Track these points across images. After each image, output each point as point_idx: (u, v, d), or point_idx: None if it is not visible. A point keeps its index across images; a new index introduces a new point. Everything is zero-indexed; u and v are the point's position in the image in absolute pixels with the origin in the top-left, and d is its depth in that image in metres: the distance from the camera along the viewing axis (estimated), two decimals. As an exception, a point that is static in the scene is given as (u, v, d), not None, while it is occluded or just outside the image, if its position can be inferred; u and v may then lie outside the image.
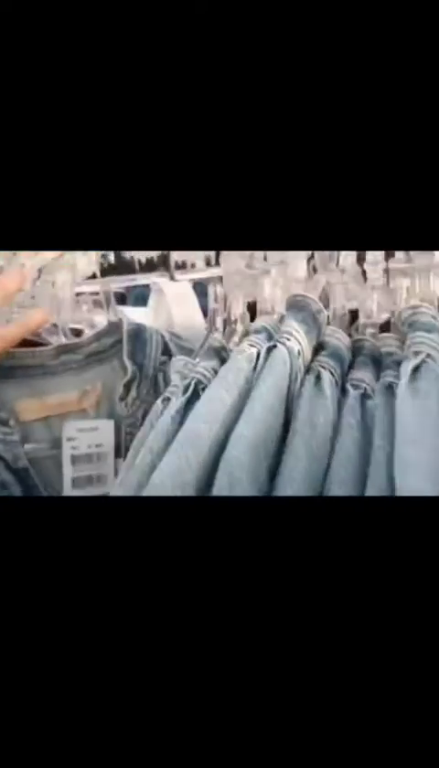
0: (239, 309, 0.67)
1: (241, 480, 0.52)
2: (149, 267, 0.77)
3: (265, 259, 0.67)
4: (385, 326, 0.65)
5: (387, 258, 0.64)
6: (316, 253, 0.65)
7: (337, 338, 0.62)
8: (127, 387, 0.80)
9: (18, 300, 0.71)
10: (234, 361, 0.59)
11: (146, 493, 0.55)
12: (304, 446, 0.55)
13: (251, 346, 0.60)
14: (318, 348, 0.61)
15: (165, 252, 0.75)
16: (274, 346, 0.58)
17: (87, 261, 0.76)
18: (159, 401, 0.64)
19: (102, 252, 0.76)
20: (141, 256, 0.76)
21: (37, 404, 0.79)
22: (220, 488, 0.52)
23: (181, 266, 0.77)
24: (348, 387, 0.59)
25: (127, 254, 0.76)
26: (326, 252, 0.65)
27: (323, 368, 0.59)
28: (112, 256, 0.76)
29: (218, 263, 0.79)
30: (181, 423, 0.60)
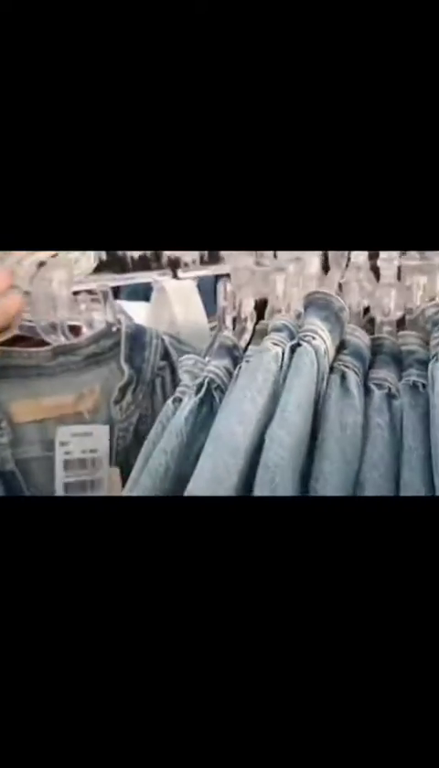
0: (249, 307, 0.66)
1: (283, 482, 0.51)
2: (149, 265, 0.76)
3: (275, 256, 0.67)
4: (400, 323, 0.64)
5: (400, 255, 0.64)
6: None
7: (357, 336, 0.61)
8: (123, 391, 0.78)
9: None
10: (260, 361, 0.58)
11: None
12: (337, 448, 0.54)
13: (275, 344, 0.58)
14: (339, 347, 0.60)
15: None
16: (299, 345, 0.57)
17: (85, 258, 0.74)
18: (170, 402, 0.63)
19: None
20: (141, 254, 0.75)
21: (32, 406, 0.77)
22: (262, 492, 0.51)
23: (175, 263, 0.76)
24: (372, 386, 0.59)
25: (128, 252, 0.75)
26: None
27: (347, 367, 0.58)
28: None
29: (212, 261, 0.78)
30: (195, 424, 0.59)
